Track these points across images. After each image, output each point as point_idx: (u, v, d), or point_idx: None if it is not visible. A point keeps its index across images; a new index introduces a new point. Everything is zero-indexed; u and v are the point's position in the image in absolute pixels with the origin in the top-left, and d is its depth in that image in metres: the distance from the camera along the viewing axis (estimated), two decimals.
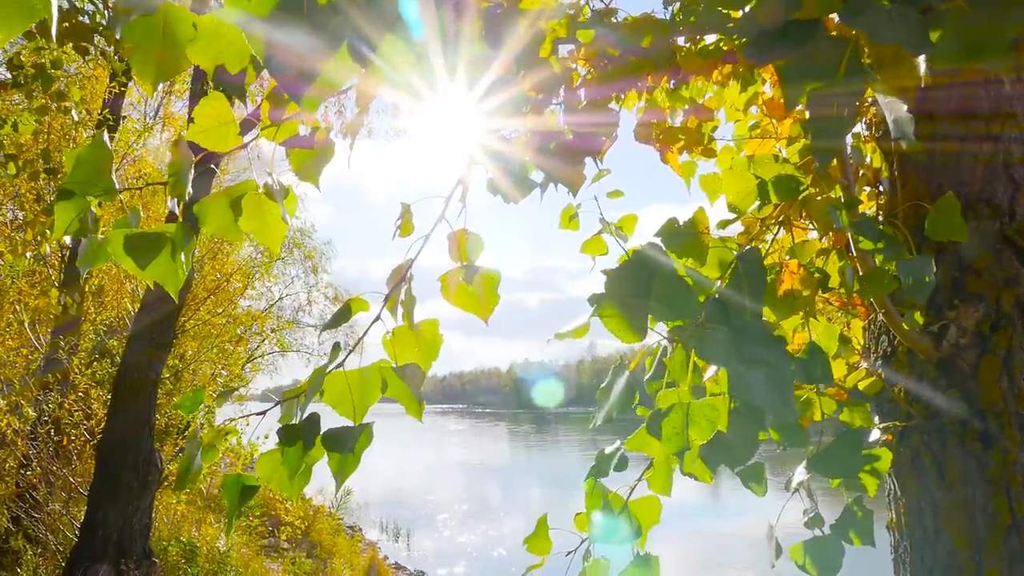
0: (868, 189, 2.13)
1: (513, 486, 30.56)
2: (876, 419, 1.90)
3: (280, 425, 1.42)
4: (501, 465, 40.33)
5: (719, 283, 1.22)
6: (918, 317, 1.73)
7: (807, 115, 0.94)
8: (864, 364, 1.98)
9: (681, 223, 1.35)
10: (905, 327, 1.75)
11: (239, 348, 14.33)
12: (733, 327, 1.11)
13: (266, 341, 15.76)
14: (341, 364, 1.44)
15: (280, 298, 16.56)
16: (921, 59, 0.95)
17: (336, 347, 1.38)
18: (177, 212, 1.37)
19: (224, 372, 12.88)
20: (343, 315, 1.47)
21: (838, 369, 1.93)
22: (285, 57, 0.99)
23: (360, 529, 19.39)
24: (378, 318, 1.46)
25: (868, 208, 2.16)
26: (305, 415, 1.42)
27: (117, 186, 1.37)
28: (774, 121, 2.00)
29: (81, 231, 1.32)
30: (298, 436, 1.36)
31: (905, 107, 0.89)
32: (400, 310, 1.49)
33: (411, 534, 19.95)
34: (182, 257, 1.49)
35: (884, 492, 1.97)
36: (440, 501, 25.56)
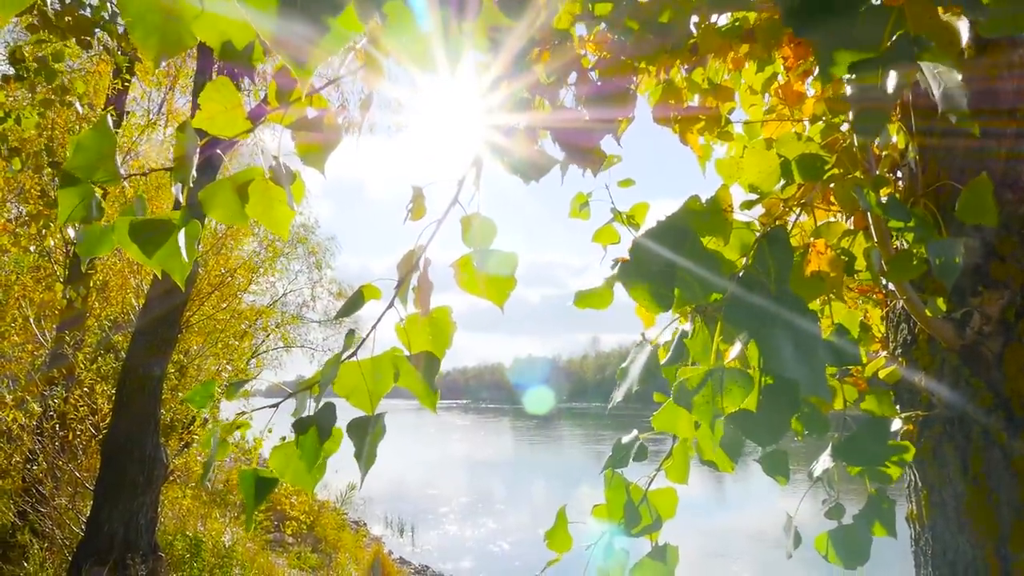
0: (888, 175, 2.09)
1: (517, 481, 30.57)
2: (896, 408, 1.86)
3: (295, 418, 1.39)
4: (505, 460, 40.35)
5: (744, 261, 1.18)
6: (941, 304, 1.69)
7: (845, 90, 0.89)
8: (884, 352, 1.94)
9: (703, 201, 1.31)
10: (928, 314, 1.71)
11: (244, 344, 14.34)
12: (763, 300, 1.07)
13: (270, 337, 15.77)
14: (355, 353, 1.40)
15: (284, 294, 16.59)
16: (964, 30, 0.91)
17: (351, 334, 1.35)
18: (181, 198, 1.34)
19: (229, 367, 12.88)
20: (356, 302, 1.43)
21: None
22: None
23: (365, 524, 19.40)
24: (391, 305, 1.43)
25: (886, 194, 2.12)
26: (320, 405, 1.39)
27: (122, 172, 1.34)
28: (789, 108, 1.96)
29: (85, 218, 1.29)
30: (313, 426, 1.32)
31: (958, 75, 0.84)
32: (412, 297, 1.46)
33: (416, 529, 19.96)
34: (182, 243, 1.45)
35: (903, 483, 1.93)
36: (444, 496, 25.58)
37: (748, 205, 1.46)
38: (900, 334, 1.94)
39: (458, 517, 21.97)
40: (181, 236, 1.44)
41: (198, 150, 1.47)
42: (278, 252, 15.25)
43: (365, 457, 1.29)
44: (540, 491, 26.99)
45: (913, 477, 1.87)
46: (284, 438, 1.51)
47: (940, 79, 0.85)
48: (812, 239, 1.45)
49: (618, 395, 1.40)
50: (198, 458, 11.02)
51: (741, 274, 1.14)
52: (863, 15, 0.82)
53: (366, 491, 20.94)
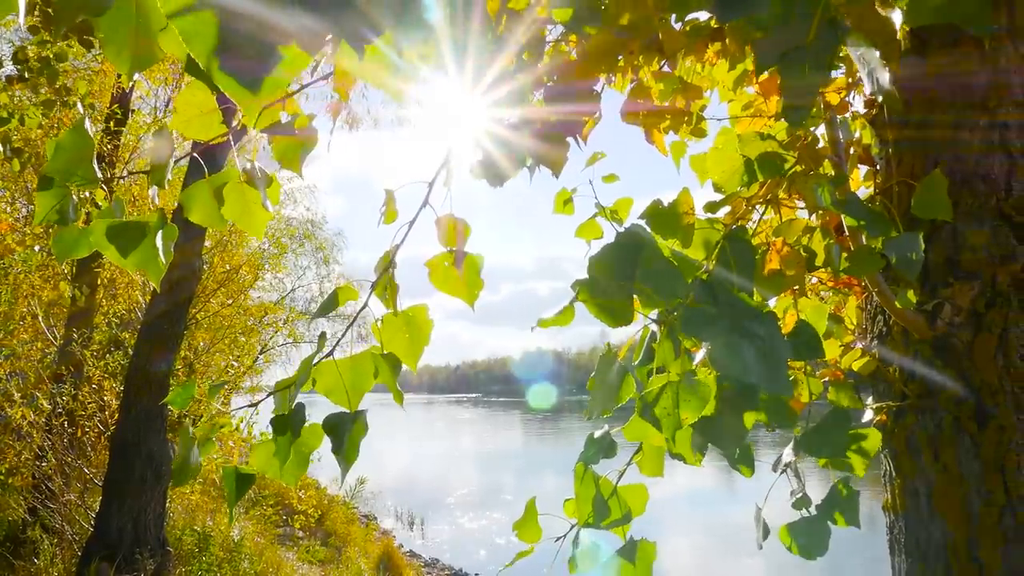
0: (866, 169, 2.11)
1: (526, 473, 30.66)
2: (870, 400, 1.89)
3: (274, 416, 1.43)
4: (514, 452, 40.45)
5: (706, 264, 1.21)
6: (911, 296, 1.71)
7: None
8: (859, 344, 1.96)
9: (665, 204, 1.33)
10: (898, 306, 1.74)
11: (252, 340, 14.42)
12: (721, 305, 1.10)
13: (278, 333, 15.84)
14: (331, 353, 1.44)
15: (292, 289, 16.69)
16: (898, 20, 0.93)
17: (322, 336, 1.39)
18: (157, 201, 1.38)
19: (236, 364, 12.97)
20: (331, 303, 1.47)
21: (832, 349, 1.92)
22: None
23: (375, 518, 19.52)
24: (365, 305, 1.46)
25: (867, 187, 2.14)
26: (293, 405, 1.43)
27: (99, 175, 1.37)
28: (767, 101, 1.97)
29: (61, 220, 1.33)
30: (289, 426, 1.37)
31: (876, 53, 0.86)
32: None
33: (425, 522, 20.08)
34: (159, 245, 1.48)
35: (880, 473, 1.96)
36: (454, 489, 25.70)
37: (711, 207, 1.48)
38: (876, 326, 1.97)
39: (468, 510, 22.08)
40: (159, 238, 1.47)
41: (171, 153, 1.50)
42: (284, 248, 15.33)
43: (344, 453, 1.33)
44: (550, 483, 27.04)
45: (888, 467, 1.90)
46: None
47: (864, 61, 0.87)
48: (772, 237, 1.47)
49: (595, 411, 1.43)
50: (209, 456, 11.11)
51: (703, 276, 1.17)
52: (792, 6, 0.85)
53: (376, 485, 21.10)
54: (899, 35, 0.96)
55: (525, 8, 1.52)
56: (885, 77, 0.89)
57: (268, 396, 1.49)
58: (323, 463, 1.55)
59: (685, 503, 20.22)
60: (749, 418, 1.20)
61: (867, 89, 0.91)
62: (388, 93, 1.03)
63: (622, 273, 1.14)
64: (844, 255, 1.45)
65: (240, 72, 0.87)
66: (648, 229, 1.26)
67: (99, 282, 10.72)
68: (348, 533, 14.97)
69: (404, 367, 1.46)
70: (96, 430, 9.59)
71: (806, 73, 0.84)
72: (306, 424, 1.42)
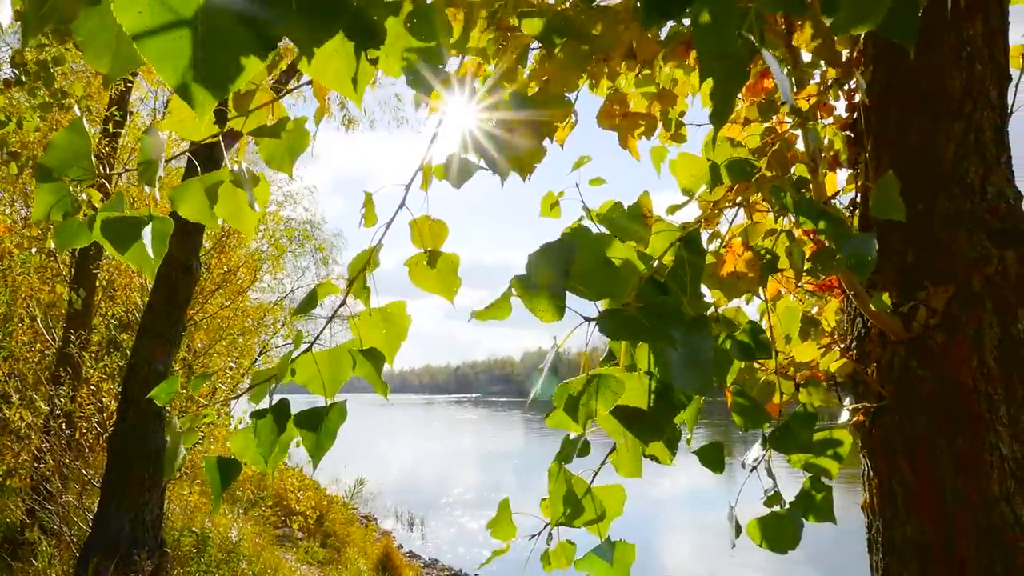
0: (848, 173, 2.13)
1: (527, 473, 30.65)
2: (848, 400, 1.91)
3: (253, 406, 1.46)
4: (515, 452, 40.46)
5: (656, 263, 1.23)
6: (885, 299, 1.74)
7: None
8: (838, 347, 1.99)
9: (625, 207, 1.36)
10: (874, 308, 1.76)
11: (250, 341, 14.44)
12: (652, 307, 1.13)
13: (277, 334, 15.86)
14: (310, 348, 1.47)
15: (292, 290, 16.68)
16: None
17: (299, 334, 1.42)
18: (159, 197, 1.41)
19: (233, 364, 12.99)
20: (311, 301, 1.50)
21: (810, 351, 1.94)
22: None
23: (375, 518, 19.51)
24: (343, 303, 1.49)
25: (849, 191, 2.17)
26: (275, 401, 1.46)
27: (100, 171, 1.40)
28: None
29: (60, 215, 1.35)
30: (268, 416, 1.39)
31: (779, 65, 0.90)
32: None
33: (425, 523, 20.07)
34: (149, 238, 1.50)
35: (861, 473, 1.98)
36: (454, 490, 25.71)
37: (673, 210, 1.51)
38: (855, 328, 1.99)
39: (468, 510, 22.07)
40: (147, 232, 1.50)
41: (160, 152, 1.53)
42: (283, 249, 15.35)
43: (319, 444, 1.36)
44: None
45: (866, 467, 1.93)
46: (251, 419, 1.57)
47: (779, 77, 0.91)
48: (728, 240, 1.50)
49: (531, 395, 1.47)
50: (204, 454, 11.14)
51: (651, 276, 1.19)
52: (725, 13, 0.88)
53: (376, 486, 21.10)
54: (859, 46, 0.99)
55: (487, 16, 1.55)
56: (788, 89, 0.92)
57: (249, 389, 1.52)
58: (322, 464, 1.58)
59: (683, 501, 20.24)
60: (682, 415, 1.25)
61: (784, 97, 0.94)
62: (344, 95, 1.06)
63: (555, 271, 1.17)
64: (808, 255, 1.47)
65: (214, 82, 0.90)
66: (598, 229, 1.30)
67: (97, 284, 10.75)
68: (347, 534, 14.96)
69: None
70: (94, 431, 9.61)
71: (728, 79, 0.88)
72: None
